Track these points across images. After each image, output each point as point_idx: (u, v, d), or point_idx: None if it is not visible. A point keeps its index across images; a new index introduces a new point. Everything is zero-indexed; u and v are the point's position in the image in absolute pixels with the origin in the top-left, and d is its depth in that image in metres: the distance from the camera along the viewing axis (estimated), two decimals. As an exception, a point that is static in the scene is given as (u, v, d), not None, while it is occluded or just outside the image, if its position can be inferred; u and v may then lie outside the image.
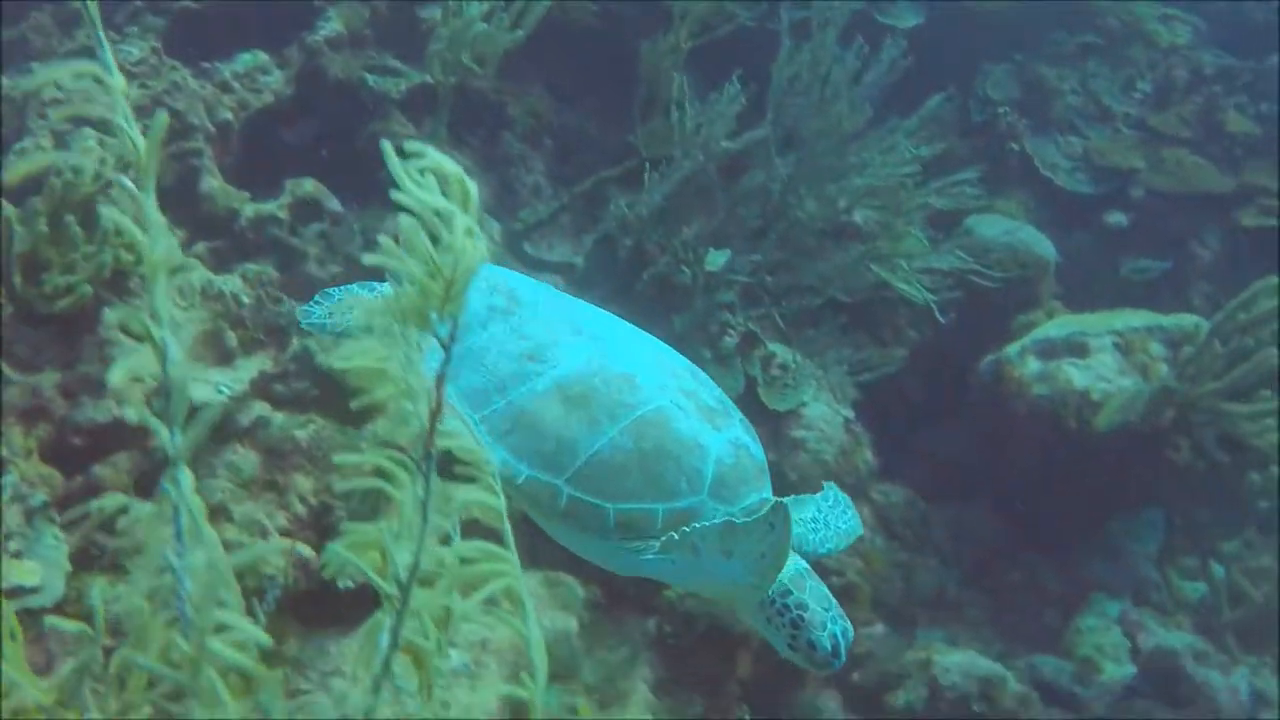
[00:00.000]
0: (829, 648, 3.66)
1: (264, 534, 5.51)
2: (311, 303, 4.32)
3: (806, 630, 3.66)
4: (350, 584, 5.39)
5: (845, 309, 7.69)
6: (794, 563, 3.77)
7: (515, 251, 7.42)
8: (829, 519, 4.18)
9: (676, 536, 3.62)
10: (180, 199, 6.82)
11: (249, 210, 6.86)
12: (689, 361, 4.18)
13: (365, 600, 5.47)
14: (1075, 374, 7.53)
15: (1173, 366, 7.38)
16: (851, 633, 3.73)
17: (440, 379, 2.83)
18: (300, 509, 5.63)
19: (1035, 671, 7.49)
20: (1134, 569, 8.17)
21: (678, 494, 3.74)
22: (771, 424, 7.22)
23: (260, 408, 5.90)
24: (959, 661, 7.00)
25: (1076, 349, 7.65)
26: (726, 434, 3.87)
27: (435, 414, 2.93)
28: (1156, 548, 8.01)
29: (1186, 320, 7.62)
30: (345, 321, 4.23)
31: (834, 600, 3.76)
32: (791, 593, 3.70)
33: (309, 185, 7.00)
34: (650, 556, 3.73)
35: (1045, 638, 7.87)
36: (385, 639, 3.15)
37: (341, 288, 4.38)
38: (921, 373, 8.26)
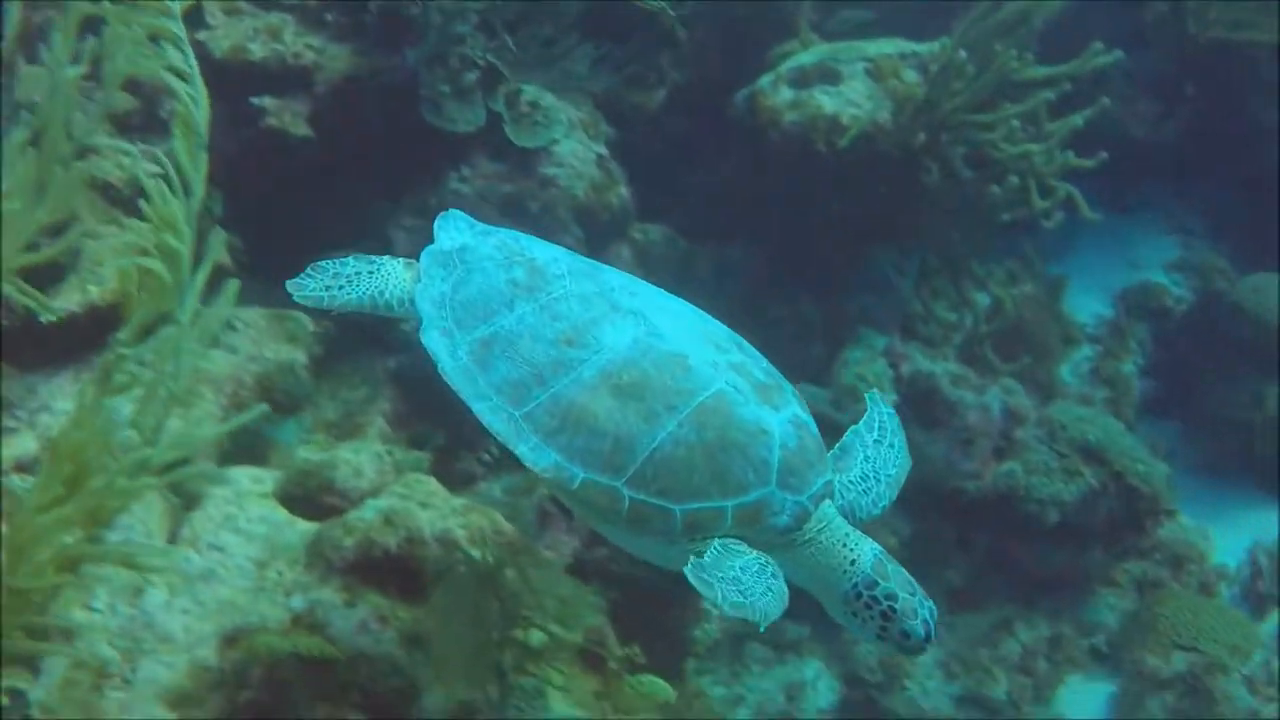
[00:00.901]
0: (923, 635, 3.51)
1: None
2: (304, 275, 3.93)
3: (899, 621, 3.50)
4: (54, 317, 5.22)
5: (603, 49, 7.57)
6: (869, 547, 3.60)
7: None
8: (877, 465, 3.91)
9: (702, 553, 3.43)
10: None
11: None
12: (727, 328, 3.89)
13: (74, 340, 5.28)
14: (826, 100, 7.46)
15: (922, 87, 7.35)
16: (937, 612, 3.56)
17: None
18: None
19: (792, 397, 7.58)
20: (899, 301, 8.26)
21: (745, 487, 3.49)
22: (520, 160, 7.07)
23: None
24: (715, 390, 7.03)
25: (828, 76, 7.57)
26: (785, 413, 3.59)
27: None
28: (916, 277, 8.10)
29: (937, 45, 7.54)
30: (343, 297, 3.88)
31: (914, 580, 3.59)
32: (878, 583, 3.53)
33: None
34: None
35: (811, 370, 7.94)
36: None
37: (335, 260, 3.98)
38: (684, 112, 8.13)
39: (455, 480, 6.31)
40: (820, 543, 3.60)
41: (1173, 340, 9.17)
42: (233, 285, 3.72)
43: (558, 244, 6.89)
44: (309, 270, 3.96)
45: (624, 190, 7.43)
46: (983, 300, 8.07)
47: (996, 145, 7.05)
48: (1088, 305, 9.18)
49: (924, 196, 7.48)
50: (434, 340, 3.72)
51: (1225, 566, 8.36)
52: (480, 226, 4.02)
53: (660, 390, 3.53)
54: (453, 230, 4.01)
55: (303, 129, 6.56)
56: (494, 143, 7.02)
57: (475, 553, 4.62)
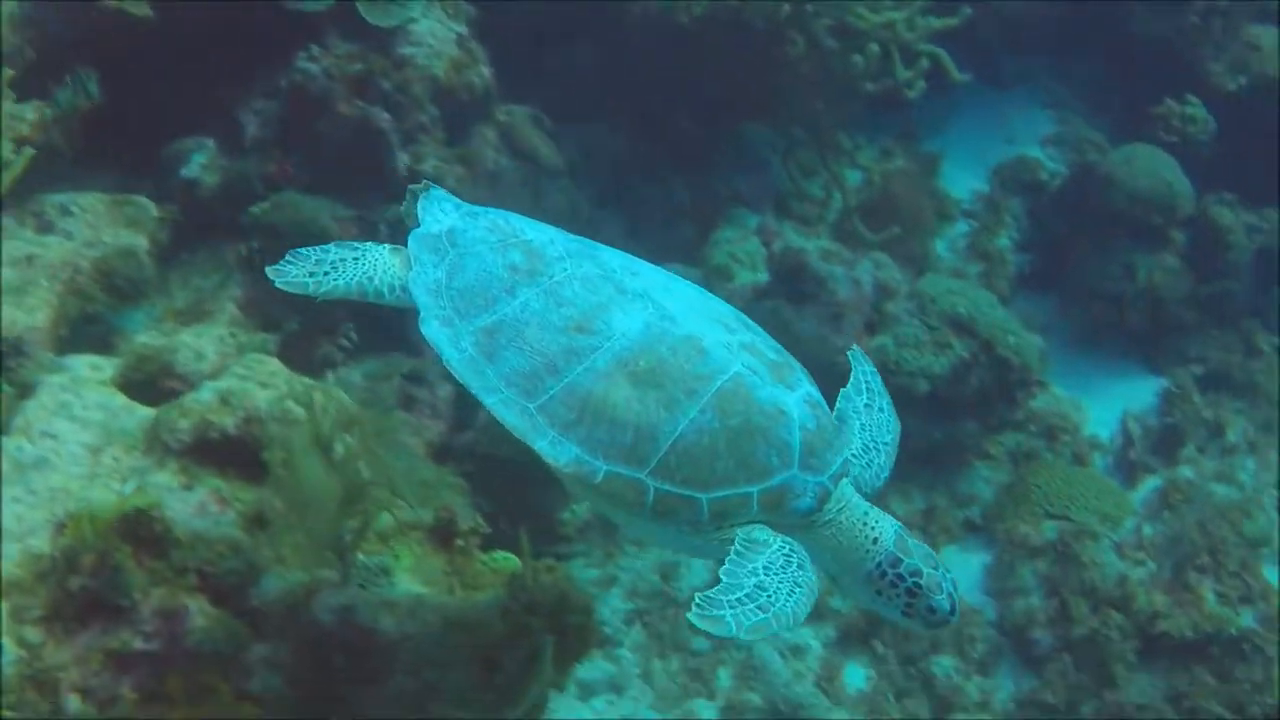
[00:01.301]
0: (948, 609, 3.42)
1: None
2: (284, 262, 3.67)
3: (925, 597, 3.41)
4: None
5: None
6: (889, 524, 3.50)
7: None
8: (874, 434, 3.79)
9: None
10: None
11: None
12: (729, 305, 3.70)
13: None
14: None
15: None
16: (958, 583, 3.47)
17: None
18: None
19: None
20: (771, 181, 8.21)
21: (769, 472, 3.36)
22: (376, 40, 6.88)
23: None
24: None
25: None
26: (799, 392, 3.43)
27: None
28: (783, 153, 8.05)
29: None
30: (329, 284, 3.65)
31: (933, 553, 3.50)
32: (901, 560, 3.42)
33: None
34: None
35: (682, 250, 7.89)
36: None
37: (315, 248, 3.73)
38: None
39: (314, 365, 6.21)
40: (840, 523, 3.51)
41: (1047, 214, 9.21)
42: (24, 154, 3.55)
43: (414, 123, 6.86)
44: (289, 257, 3.72)
45: (486, 70, 7.26)
46: (853, 176, 8.04)
47: (859, 14, 6.97)
48: (964, 181, 9.19)
49: (788, 69, 7.39)
50: (434, 330, 3.51)
51: (1098, 437, 8.48)
52: (466, 207, 3.78)
53: (678, 376, 3.39)
54: (437, 212, 3.74)
55: (143, 9, 6.31)
56: (349, 21, 6.82)
57: (313, 425, 4.51)
